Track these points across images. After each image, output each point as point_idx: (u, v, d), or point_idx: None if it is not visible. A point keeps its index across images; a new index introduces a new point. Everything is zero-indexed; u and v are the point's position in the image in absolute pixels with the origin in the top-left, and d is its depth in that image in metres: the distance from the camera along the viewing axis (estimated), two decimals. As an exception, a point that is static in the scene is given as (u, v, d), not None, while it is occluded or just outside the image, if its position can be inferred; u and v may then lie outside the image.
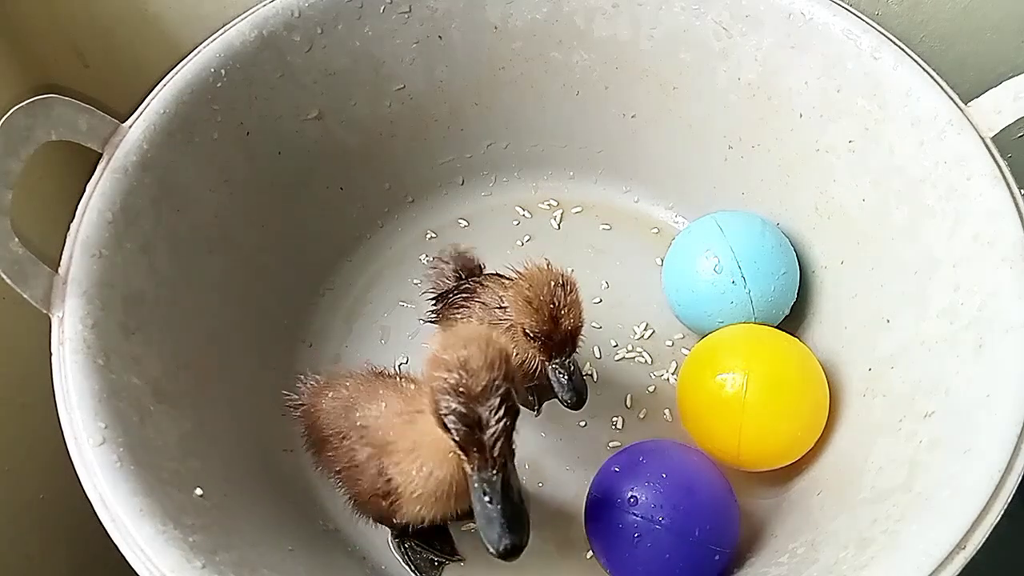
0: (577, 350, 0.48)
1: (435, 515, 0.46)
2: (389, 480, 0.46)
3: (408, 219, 0.71)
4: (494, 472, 0.38)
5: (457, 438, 0.37)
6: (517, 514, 0.38)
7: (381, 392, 0.48)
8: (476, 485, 0.38)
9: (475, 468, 0.38)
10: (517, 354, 0.50)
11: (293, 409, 0.54)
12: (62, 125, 0.47)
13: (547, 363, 0.48)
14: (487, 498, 0.38)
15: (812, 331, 0.62)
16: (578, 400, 0.48)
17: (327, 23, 0.58)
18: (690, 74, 0.62)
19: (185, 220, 0.54)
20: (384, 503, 0.47)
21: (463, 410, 0.37)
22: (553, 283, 0.47)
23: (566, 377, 0.48)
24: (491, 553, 0.38)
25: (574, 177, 0.72)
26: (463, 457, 0.38)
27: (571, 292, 0.47)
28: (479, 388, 0.37)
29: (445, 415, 0.37)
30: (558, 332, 0.47)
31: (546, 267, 0.48)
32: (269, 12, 0.56)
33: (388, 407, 0.47)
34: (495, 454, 0.38)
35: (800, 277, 0.61)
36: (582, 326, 0.48)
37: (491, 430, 0.37)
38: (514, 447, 0.39)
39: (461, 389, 0.37)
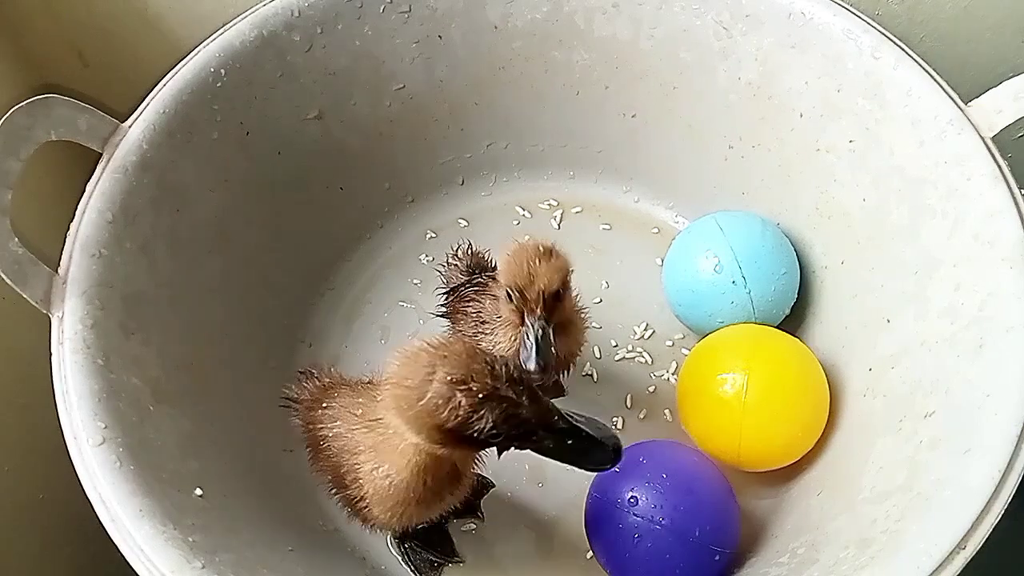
0: (550, 323, 0.48)
1: (404, 521, 0.46)
2: (360, 486, 0.46)
3: (408, 219, 0.71)
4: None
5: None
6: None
7: (360, 400, 0.48)
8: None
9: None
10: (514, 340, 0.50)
11: (292, 408, 0.54)
12: (62, 125, 0.47)
13: (521, 327, 0.48)
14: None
15: (812, 331, 0.62)
16: (541, 366, 0.47)
17: (327, 23, 0.58)
18: (690, 74, 0.62)
19: (185, 220, 0.54)
20: (364, 510, 0.47)
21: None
22: (541, 247, 0.48)
23: (532, 339, 0.47)
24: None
25: (574, 177, 0.72)
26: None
27: (555, 258, 0.48)
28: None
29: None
30: (532, 289, 0.47)
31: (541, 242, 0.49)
32: (269, 12, 0.56)
33: (362, 414, 0.47)
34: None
35: (800, 277, 0.61)
36: (558, 292, 0.47)
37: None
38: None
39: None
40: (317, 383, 0.53)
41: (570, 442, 0.39)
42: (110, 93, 0.62)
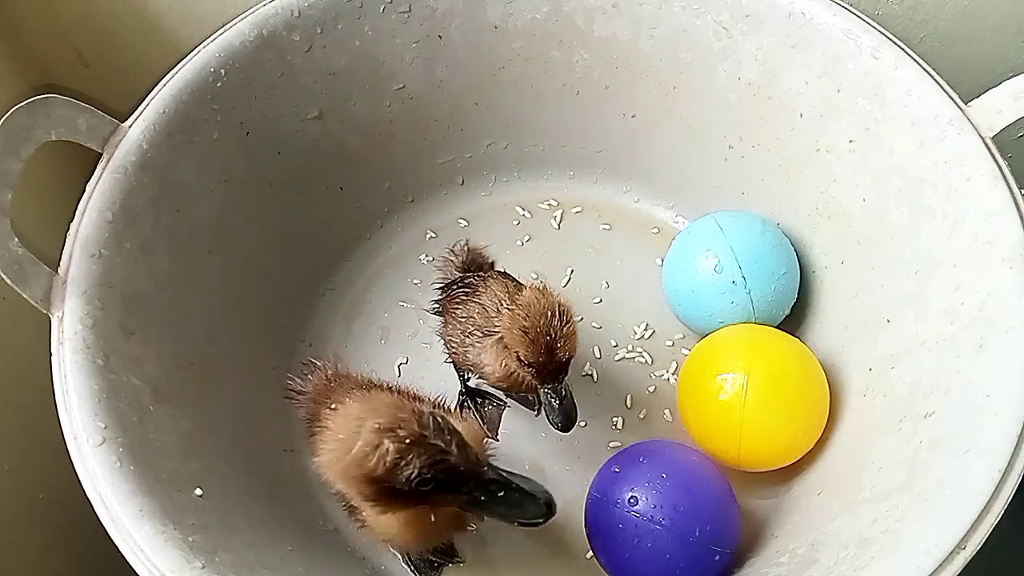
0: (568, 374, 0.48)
1: (402, 545, 0.46)
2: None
3: (408, 219, 0.71)
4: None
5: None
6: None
7: None
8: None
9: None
10: (513, 372, 0.50)
11: (296, 400, 0.53)
12: (62, 125, 0.47)
13: (540, 387, 0.49)
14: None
15: (812, 331, 0.62)
16: (566, 424, 0.49)
17: (327, 23, 0.58)
18: (690, 74, 0.62)
19: (185, 220, 0.54)
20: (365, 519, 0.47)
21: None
22: (550, 313, 0.46)
23: (558, 402, 0.48)
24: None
25: (574, 177, 0.72)
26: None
27: (567, 323, 0.47)
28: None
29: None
30: (553, 362, 0.47)
31: (543, 293, 0.48)
32: (269, 12, 0.56)
33: None
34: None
35: (800, 277, 0.61)
36: (575, 354, 0.48)
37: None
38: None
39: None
40: (322, 376, 0.53)
41: (501, 494, 0.39)
42: (110, 93, 0.62)
